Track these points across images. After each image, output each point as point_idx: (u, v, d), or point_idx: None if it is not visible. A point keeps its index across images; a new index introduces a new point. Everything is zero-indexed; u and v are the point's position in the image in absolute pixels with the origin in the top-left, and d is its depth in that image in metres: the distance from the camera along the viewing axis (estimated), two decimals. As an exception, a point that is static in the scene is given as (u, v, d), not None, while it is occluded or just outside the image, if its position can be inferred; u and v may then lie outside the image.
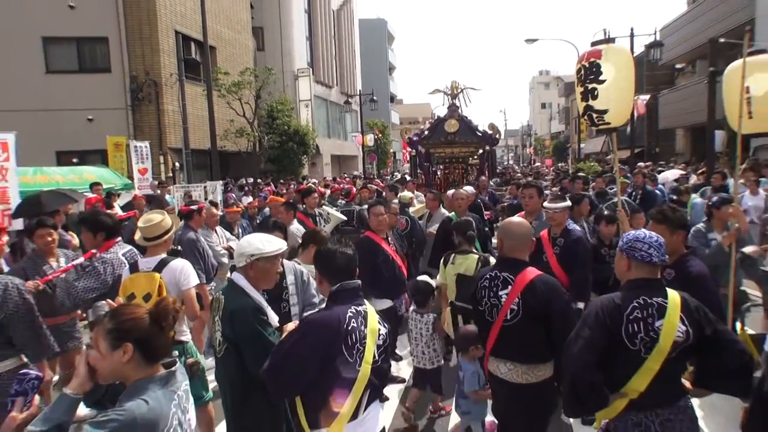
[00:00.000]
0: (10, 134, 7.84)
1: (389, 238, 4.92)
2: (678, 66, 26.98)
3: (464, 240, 4.22)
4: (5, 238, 3.81)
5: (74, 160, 14.35)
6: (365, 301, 2.37)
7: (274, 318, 2.71)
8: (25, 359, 3.25)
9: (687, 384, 2.35)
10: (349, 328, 2.19)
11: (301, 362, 2.16)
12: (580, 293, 4.13)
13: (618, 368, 2.24)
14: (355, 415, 2.21)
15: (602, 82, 4.17)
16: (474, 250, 4.28)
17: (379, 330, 2.30)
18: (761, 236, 6.02)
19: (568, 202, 4.73)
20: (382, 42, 49.38)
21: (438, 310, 4.54)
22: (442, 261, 4.29)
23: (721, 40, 11.77)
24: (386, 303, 4.53)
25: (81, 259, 4.35)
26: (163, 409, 1.66)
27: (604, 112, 4.25)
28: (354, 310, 2.24)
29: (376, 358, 2.25)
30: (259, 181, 17.09)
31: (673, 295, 2.26)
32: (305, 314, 3.03)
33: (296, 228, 5.45)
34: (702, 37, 19.13)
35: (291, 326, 2.44)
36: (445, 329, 4.36)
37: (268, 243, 2.70)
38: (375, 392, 2.30)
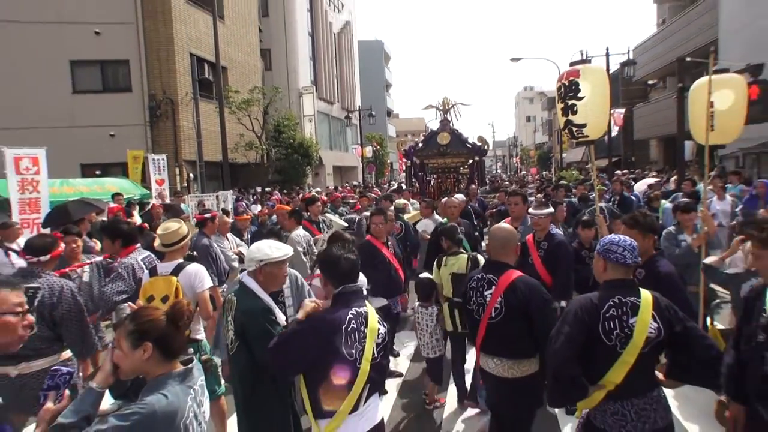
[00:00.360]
0: (41, 150, 7.87)
1: (389, 243, 4.93)
2: (650, 82, 27.16)
3: (452, 243, 4.23)
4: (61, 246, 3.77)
5: (97, 172, 14.41)
6: (366, 302, 2.37)
7: (281, 317, 2.72)
8: (69, 355, 3.25)
9: (660, 376, 2.35)
10: (349, 328, 2.19)
11: (304, 343, 2.18)
12: (563, 292, 4.14)
13: (596, 362, 2.25)
14: (355, 408, 2.21)
15: (581, 98, 4.21)
16: (462, 251, 4.29)
17: (379, 329, 2.30)
18: (729, 240, 6.02)
19: (552, 209, 4.75)
20: (379, 61, 49.50)
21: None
22: (435, 264, 4.30)
23: (688, 59, 11.82)
24: (381, 301, 4.55)
25: (98, 258, 4.38)
26: (181, 402, 1.66)
27: (583, 125, 4.28)
28: (355, 312, 2.24)
29: (375, 355, 2.25)
30: (267, 190, 17.09)
31: (646, 295, 2.27)
32: None
33: (296, 234, 5.45)
34: (671, 56, 19.28)
35: (308, 302, 2.41)
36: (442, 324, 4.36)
37: (276, 249, 2.71)
38: (375, 386, 2.30)
